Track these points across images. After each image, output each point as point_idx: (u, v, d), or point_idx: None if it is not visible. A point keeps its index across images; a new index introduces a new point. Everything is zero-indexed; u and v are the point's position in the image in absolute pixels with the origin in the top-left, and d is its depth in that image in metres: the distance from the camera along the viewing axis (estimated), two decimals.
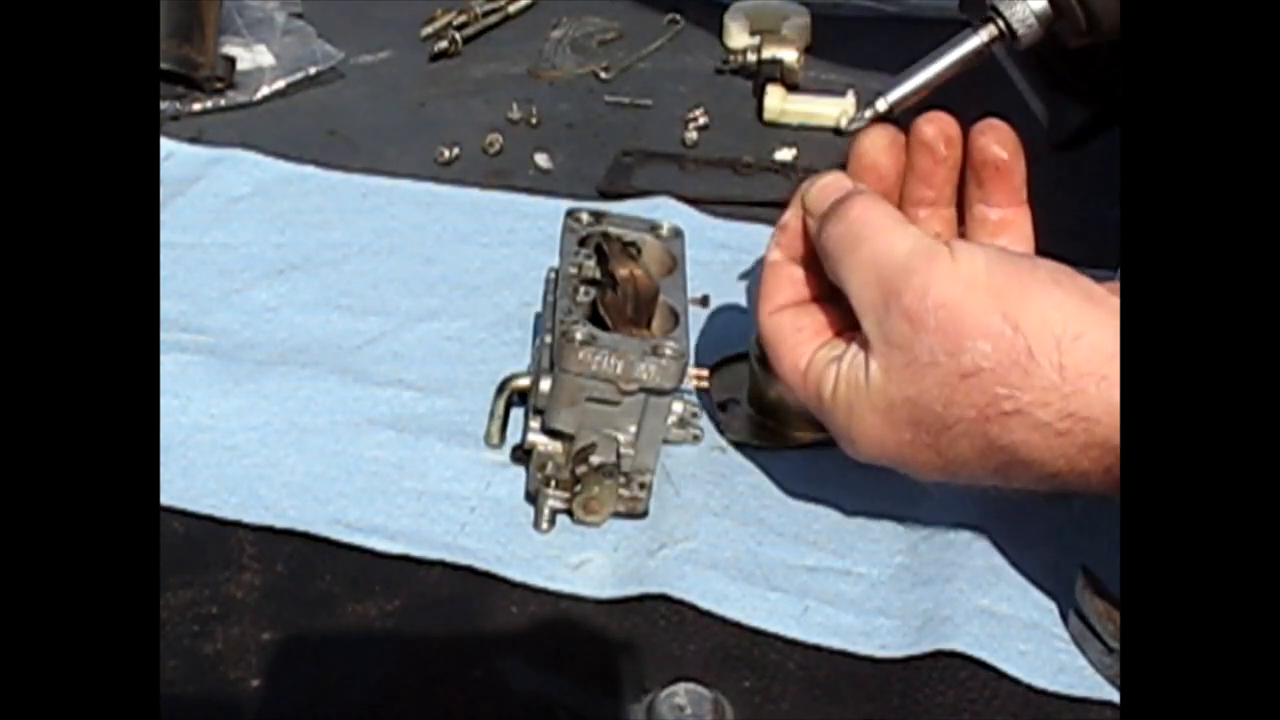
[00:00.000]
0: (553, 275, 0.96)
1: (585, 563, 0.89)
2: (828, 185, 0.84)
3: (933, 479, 0.82)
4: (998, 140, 0.85)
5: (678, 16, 1.44)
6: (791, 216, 0.85)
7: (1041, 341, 0.75)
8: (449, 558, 0.89)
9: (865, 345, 0.79)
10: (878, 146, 0.86)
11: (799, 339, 0.84)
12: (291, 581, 0.88)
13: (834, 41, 1.39)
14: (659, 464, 0.92)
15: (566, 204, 1.01)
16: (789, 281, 0.85)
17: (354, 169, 1.22)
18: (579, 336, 0.87)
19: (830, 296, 0.84)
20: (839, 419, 0.81)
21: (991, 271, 0.77)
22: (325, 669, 0.84)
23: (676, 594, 0.86)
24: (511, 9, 1.44)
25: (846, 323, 0.83)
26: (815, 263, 0.84)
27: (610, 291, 0.92)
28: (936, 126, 0.86)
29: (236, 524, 0.91)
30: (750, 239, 1.14)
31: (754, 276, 0.91)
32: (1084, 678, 0.82)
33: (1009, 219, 0.86)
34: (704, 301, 1.06)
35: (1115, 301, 0.75)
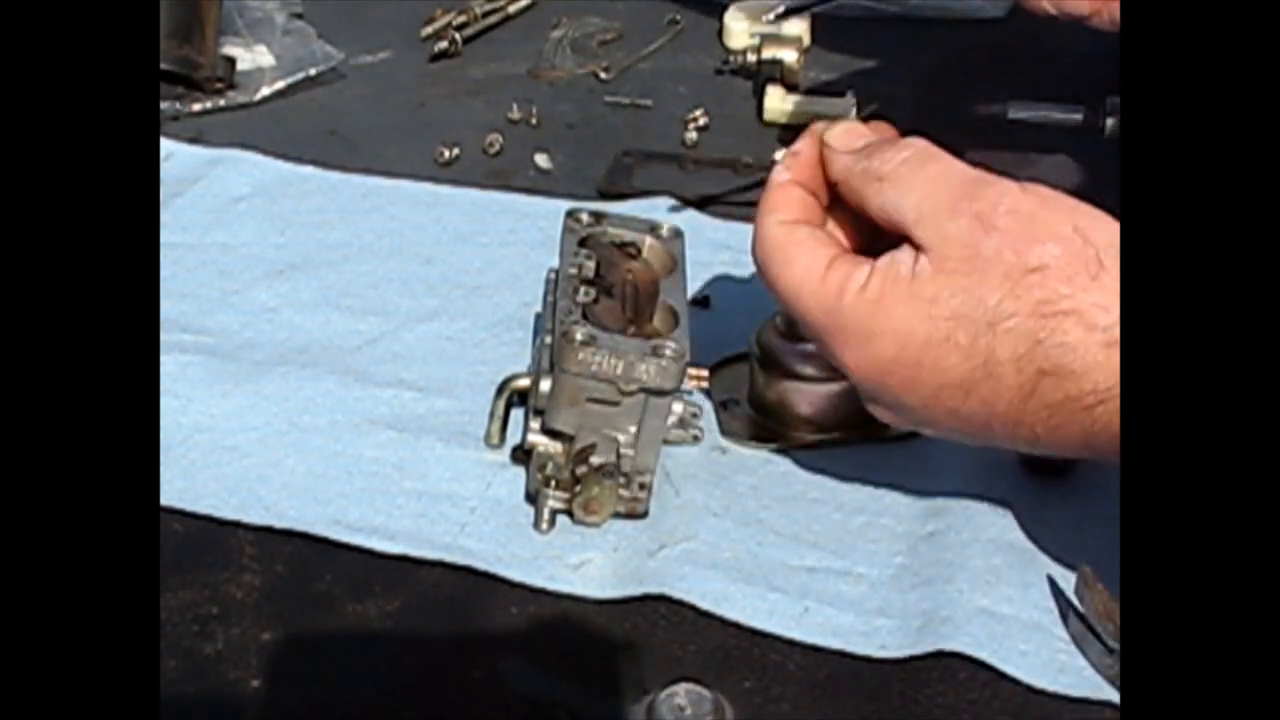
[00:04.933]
0: (553, 276, 0.96)
1: (585, 563, 0.89)
2: (854, 129, 0.85)
3: (938, 402, 0.79)
4: None
5: (678, 16, 1.44)
6: (806, 146, 0.85)
7: (1111, 256, 0.76)
8: (449, 558, 0.89)
9: (917, 247, 0.79)
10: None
11: (817, 243, 0.83)
12: (291, 582, 0.88)
13: (834, 41, 1.38)
14: (659, 464, 0.92)
15: (566, 204, 1.01)
16: (799, 201, 0.85)
17: (354, 169, 1.22)
18: (579, 337, 0.87)
19: (842, 223, 0.85)
20: (858, 315, 0.79)
21: (1061, 194, 0.78)
22: (325, 669, 0.84)
23: (676, 594, 0.86)
24: (511, 9, 1.44)
25: (861, 246, 0.83)
26: (826, 192, 0.85)
27: (610, 292, 0.92)
28: None
29: (236, 524, 0.91)
30: (750, 239, 1.13)
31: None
32: (1084, 678, 0.82)
33: None
34: (704, 302, 1.06)
35: None
